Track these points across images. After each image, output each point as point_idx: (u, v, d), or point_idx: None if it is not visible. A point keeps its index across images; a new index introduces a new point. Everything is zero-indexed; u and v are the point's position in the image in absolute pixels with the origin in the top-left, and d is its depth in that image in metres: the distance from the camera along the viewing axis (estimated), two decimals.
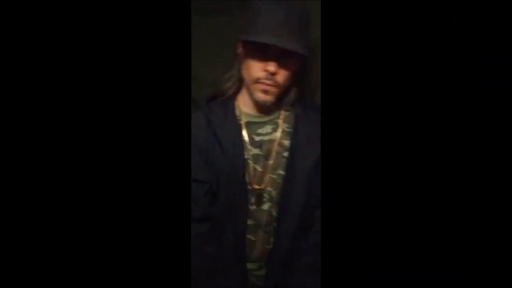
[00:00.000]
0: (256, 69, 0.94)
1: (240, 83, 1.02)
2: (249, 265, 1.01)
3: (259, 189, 0.98)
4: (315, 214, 0.98)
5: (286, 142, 1.00)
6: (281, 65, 0.93)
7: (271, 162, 0.99)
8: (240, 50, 0.99)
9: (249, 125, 1.01)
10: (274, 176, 0.99)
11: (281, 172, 0.99)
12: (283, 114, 1.03)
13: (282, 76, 0.94)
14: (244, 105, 1.03)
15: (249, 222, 0.99)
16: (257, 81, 0.95)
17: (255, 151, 1.00)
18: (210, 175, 0.99)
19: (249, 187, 0.98)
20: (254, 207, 0.99)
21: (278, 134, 1.01)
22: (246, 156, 0.98)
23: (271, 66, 0.92)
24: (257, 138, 1.00)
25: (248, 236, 0.99)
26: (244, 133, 1.01)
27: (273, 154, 1.00)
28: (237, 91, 1.03)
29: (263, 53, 0.93)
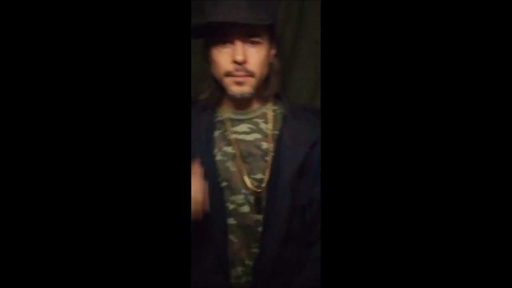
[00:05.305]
0: (223, 62, 0.89)
1: (216, 84, 0.94)
2: (232, 271, 0.94)
3: (256, 192, 0.93)
4: (314, 228, 0.93)
5: (265, 145, 0.95)
6: (249, 52, 0.88)
7: (248, 165, 0.93)
8: (204, 49, 0.92)
9: (225, 122, 0.96)
10: (253, 180, 0.93)
11: (261, 176, 0.93)
12: (266, 114, 0.97)
13: (253, 64, 0.89)
14: (226, 103, 0.97)
15: (231, 221, 0.93)
16: (228, 74, 0.89)
17: (227, 149, 0.94)
18: None
19: (228, 187, 0.93)
20: (239, 207, 0.93)
21: (256, 135, 0.95)
22: (215, 153, 0.93)
23: (238, 55, 0.86)
24: (230, 136, 0.95)
25: (230, 236, 0.92)
26: (217, 131, 0.96)
27: (251, 156, 0.94)
28: (219, 95, 0.96)
29: (226, 42, 0.87)
